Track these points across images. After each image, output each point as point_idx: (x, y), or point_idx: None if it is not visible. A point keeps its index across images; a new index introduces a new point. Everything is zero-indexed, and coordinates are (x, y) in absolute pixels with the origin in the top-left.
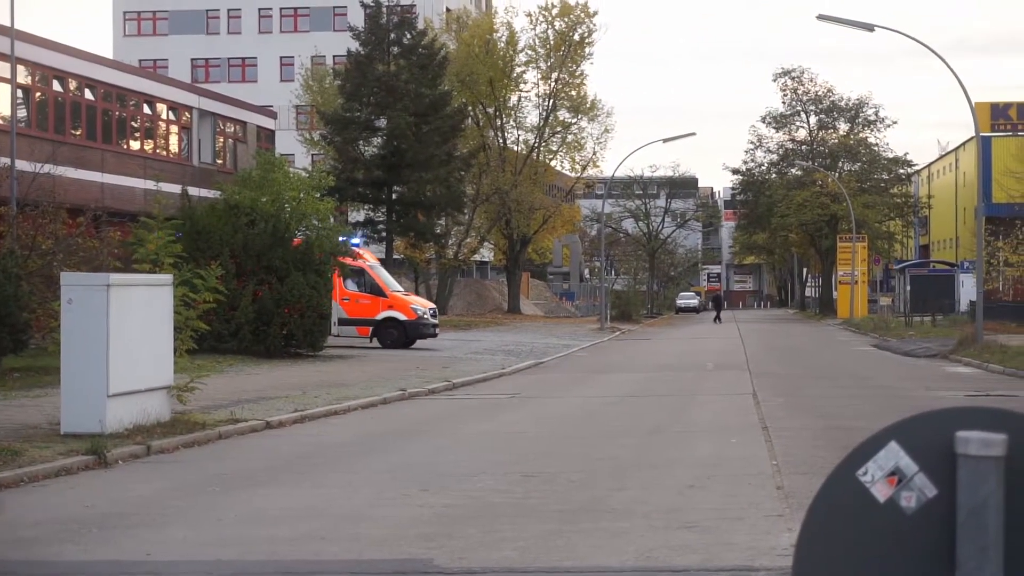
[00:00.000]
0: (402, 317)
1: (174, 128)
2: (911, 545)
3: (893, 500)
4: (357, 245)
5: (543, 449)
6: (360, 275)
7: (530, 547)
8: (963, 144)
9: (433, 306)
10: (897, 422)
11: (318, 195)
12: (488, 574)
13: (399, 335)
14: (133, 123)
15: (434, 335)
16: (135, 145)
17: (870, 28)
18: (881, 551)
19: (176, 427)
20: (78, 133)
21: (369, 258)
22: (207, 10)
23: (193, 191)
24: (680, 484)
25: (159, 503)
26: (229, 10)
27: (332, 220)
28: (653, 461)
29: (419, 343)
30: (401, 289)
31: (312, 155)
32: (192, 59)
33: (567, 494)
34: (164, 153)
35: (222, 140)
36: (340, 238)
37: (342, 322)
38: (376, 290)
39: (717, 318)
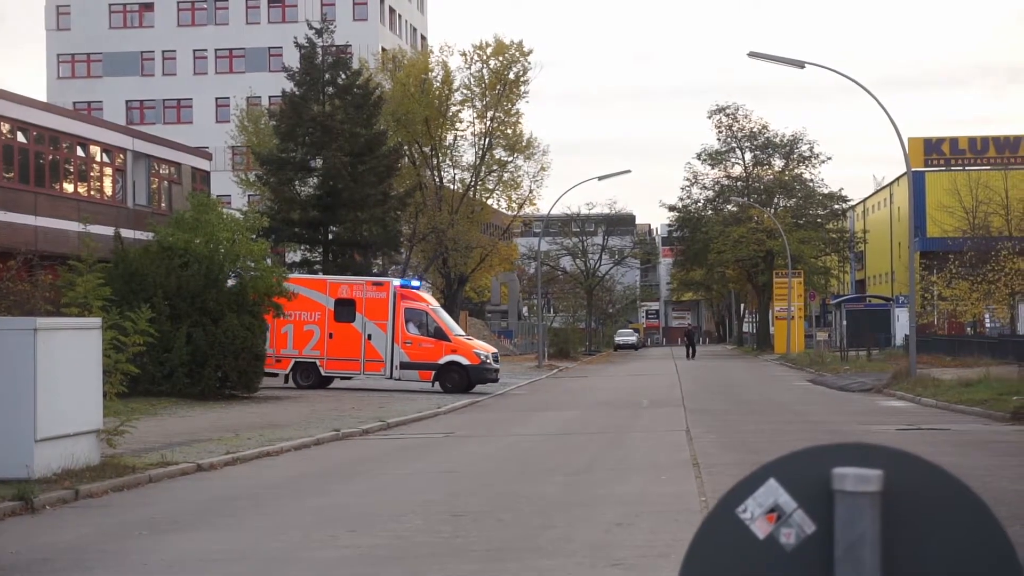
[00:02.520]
0: (465, 362)
1: (108, 170)
2: None
3: (773, 537)
4: (418, 288)
5: (473, 488)
6: (422, 318)
7: None
8: (897, 179)
9: (495, 351)
10: (776, 459)
11: (252, 236)
12: None
13: (461, 379)
14: (67, 166)
15: (495, 380)
16: (69, 188)
17: (800, 65)
18: None
19: (105, 471)
20: (11, 176)
21: (431, 301)
22: (141, 52)
23: (127, 233)
24: (608, 522)
25: (86, 548)
26: (164, 52)
27: (268, 261)
28: (582, 499)
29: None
30: (463, 333)
31: (248, 196)
32: (127, 101)
33: (495, 533)
34: (98, 195)
35: (157, 182)
36: (278, 279)
37: (404, 366)
38: (439, 334)
39: (691, 354)
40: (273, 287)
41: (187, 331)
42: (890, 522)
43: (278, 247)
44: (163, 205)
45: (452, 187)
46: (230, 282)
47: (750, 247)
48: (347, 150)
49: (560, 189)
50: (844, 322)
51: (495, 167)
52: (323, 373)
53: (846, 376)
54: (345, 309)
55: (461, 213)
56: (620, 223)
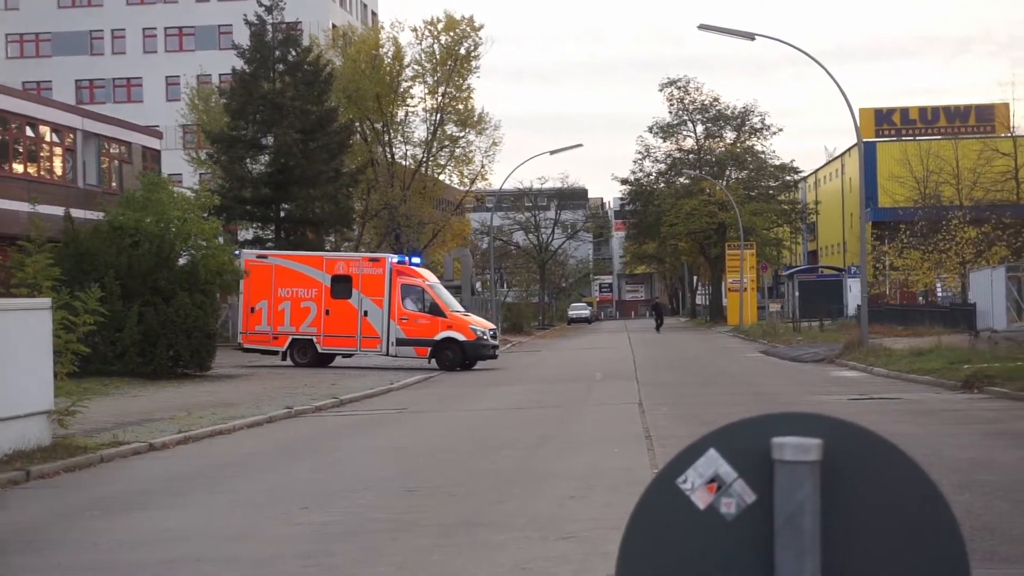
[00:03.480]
0: (461, 338)
1: (58, 150)
2: (732, 551)
3: (713, 507)
4: (418, 264)
5: (426, 463)
6: (419, 294)
7: (407, 562)
8: (848, 150)
9: (493, 327)
10: (715, 430)
11: (204, 215)
12: None
13: (457, 356)
14: (16, 146)
15: (494, 356)
16: (18, 168)
17: (751, 37)
18: (702, 558)
19: (57, 452)
20: None
21: (429, 277)
22: (91, 31)
23: (78, 213)
24: (561, 495)
25: (36, 529)
26: (113, 30)
27: (219, 240)
28: (535, 473)
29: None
30: (461, 309)
31: (199, 174)
32: (76, 80)
33: (447, 508)
34: (48, 175)
35: (107, 161)
36: (234, 256)
37: (400, 342)
38: (435, 310)
39: (658, 326)
40: (225, 265)
41: (139, 310)
42: (830, 490)
43: (230, 225)
44: (114, 185)
45: (404, 163)
46: (181, 261)
47: (702, 219)
48: (298, 127)
49: (512, 164)
50: (796, 293)
51: (447, 143)
52: (320, 350)
53: (799, 347)
54: (341, 286)
55: (413, 189)
56: (572, 197)
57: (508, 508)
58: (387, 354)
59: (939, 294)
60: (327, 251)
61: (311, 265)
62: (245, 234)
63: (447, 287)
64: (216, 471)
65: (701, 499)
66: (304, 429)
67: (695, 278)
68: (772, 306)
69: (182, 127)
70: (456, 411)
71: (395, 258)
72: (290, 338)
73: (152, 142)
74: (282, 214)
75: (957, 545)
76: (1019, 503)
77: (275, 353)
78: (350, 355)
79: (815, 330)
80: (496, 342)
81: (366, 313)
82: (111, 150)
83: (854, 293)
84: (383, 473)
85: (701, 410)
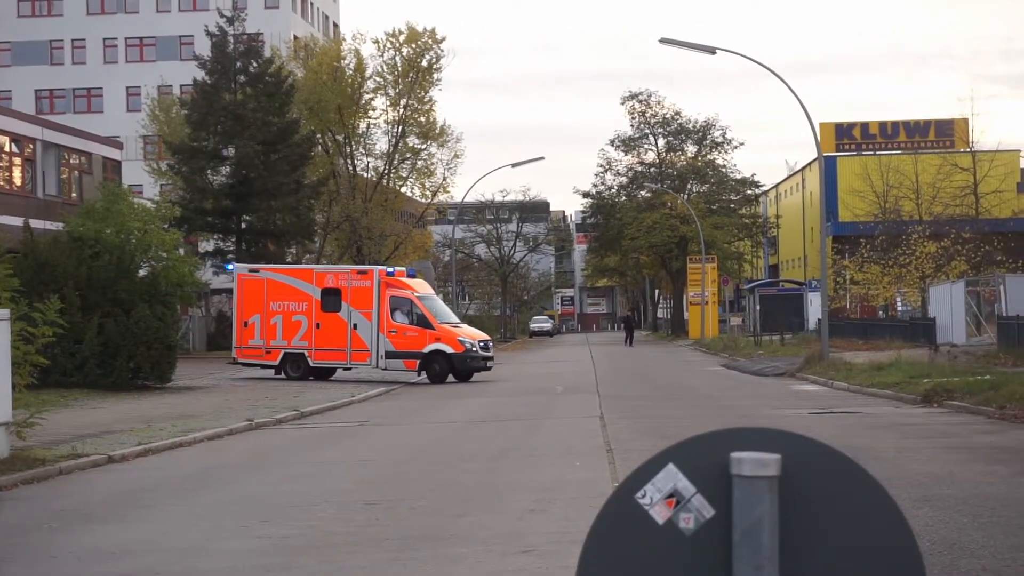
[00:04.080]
0: (449, 350)
1: (17, 160)
2: (690, 566)
3: (672, 522)
4: (412, 274)
5: (387, 476)
6: (408, 306)
7: None
8: (809, 164)
9: (486, 338)
10: (675, 444)
11: (164, 226)
12: None
13: (444, 368)
14: None
15: (487, 368)
16: None
17: (712, 51)
18: (661, 572)
19: (15, 464)
20: None
21: (419, 288)
22: (51, 40)
23: (37, 224)
24: (521, 509)
25: None
26: (73, 40)
27: (180, 251)
28: (496, 486)
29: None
30: (453, 320)
31: (160, 185)
32: (36, 90)
33: (408, 521)
34: (7, 185)
35: (67, 172)
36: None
37: (389, 355)
38: (423, 322)
39: (628, 341)
40: (185, 277)
41: (98, 322)
42: (788, 505)
43: (191, 237)
44: (74, 195)
45: (366, 175)
46: (142, 272)
47: (664, 233)
48: (259, 139)
49: (474, 176)
50: (757, 307)
51: (408, 155)
52: (312, 364)
53: (759, 361)
54: (331, 299)
55: (375, 201)
56: (534, 210)
57: (469, 522)
58: (376, 367)
59: (899, 308)
60: (289, 263)
61: (301, 278)
62: (206, 245)
63: None
64: (176, 483)
65: (660, 514)
66: (265, 442)
67: (657, 292)
68: (733, 320)
69: (143, 138)
70: (418, 424)
71: (389, 270)
72: (283, 352)
73: (113, 153)
74: (243, 226)
75: (914, 559)
76: (978, 517)
77: (270, 367)
78: (349, 368)
79: (776, 344)
80: (489, 353)
81: (355, 326)
82: (71, 160)
83: (815, 307)
84: (344, 486)
85: (662, 424)
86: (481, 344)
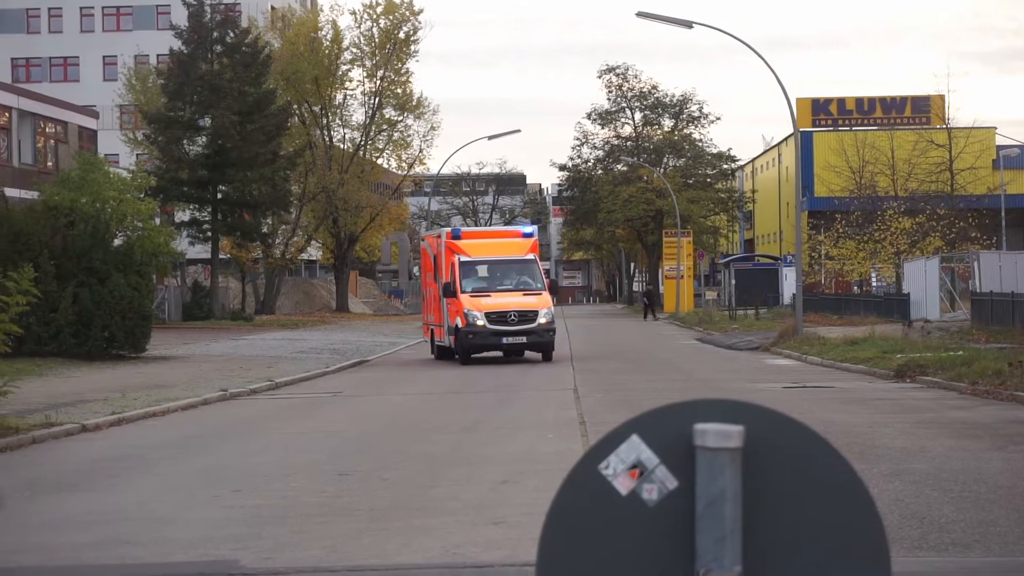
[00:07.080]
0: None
1: None
2: (654, 537)
3: (635, 493)
4: (464, 234)
5: (360, 447)
6: (472, 270)
7: (337, 546)
8: (785, 139)
9: (506, 308)
10: (638, 416)
11: (140, 195)
12: (293, 574)
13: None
14: None
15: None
16: None
17: (688, 25)
18: (624, 544)
19: None
20: None
21: (472, 250)
22: (27, 9)
23: (13, 192)
24: (493, 480)
25: None
26: (50, 9)
27: (156, 220)
28: (468, 457)
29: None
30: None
31: (136, 155)
32: (12, 58)
33: (379, 492)
34: None
35: (43, 140)
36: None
37: (450, 331)
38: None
39: (651, 314)
40: (160, 247)
41: (73, 291)
42: (751, 477)
43: (166, 206)
44: (49, 164)
45: (342, 146)
46: (117, 241)
47: (640, 207)
48: (235, 109)
49: (450, 149)
50: (733, 281)
51: (385, 126)
52: (436, 342)
53: (734, 335)
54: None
55: (351, 173)
56: (510, 183)
57: (440, 493)
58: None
59: (874, 284)
60: (263, 234)
61: (431, 243)
62: (182, 215)
63: (384, 271)
64: (149, 453)
65: (623, 485)
66: (238, 412)
67: (632, 265)
68: (708, 294)
69: (119, 107)
70: (391, 395)
71: (449, 230)
72: (431, 328)
73: (88, 122)
74: (219, 196)
75: (877, 532)
76: (948, 491)
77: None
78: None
79: (751, 318)
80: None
81: (437, 298)
82: (47, 129)
83: (790, 282)
84: (316, 457)
85: (635, 396)
86: (496, 315)
